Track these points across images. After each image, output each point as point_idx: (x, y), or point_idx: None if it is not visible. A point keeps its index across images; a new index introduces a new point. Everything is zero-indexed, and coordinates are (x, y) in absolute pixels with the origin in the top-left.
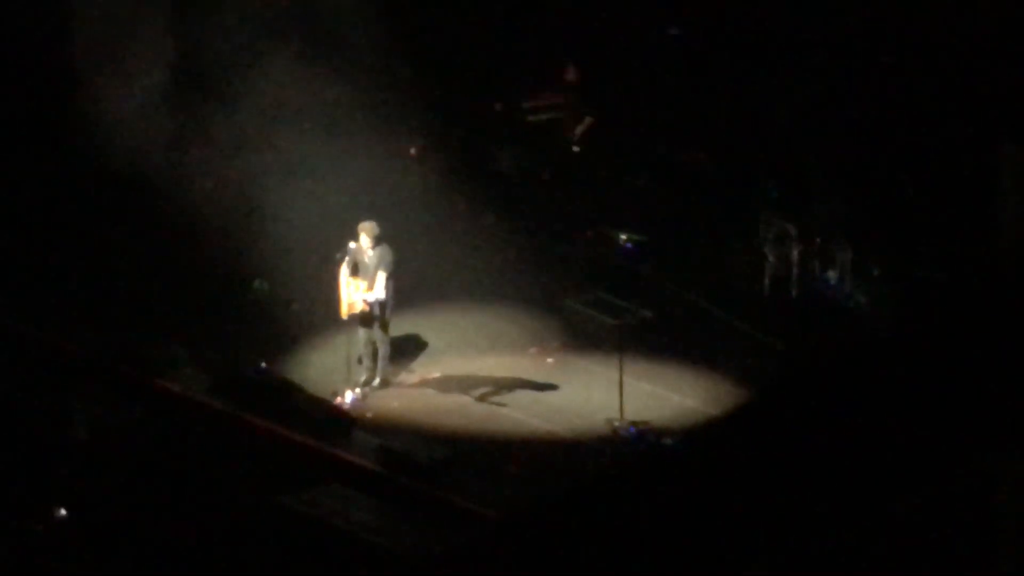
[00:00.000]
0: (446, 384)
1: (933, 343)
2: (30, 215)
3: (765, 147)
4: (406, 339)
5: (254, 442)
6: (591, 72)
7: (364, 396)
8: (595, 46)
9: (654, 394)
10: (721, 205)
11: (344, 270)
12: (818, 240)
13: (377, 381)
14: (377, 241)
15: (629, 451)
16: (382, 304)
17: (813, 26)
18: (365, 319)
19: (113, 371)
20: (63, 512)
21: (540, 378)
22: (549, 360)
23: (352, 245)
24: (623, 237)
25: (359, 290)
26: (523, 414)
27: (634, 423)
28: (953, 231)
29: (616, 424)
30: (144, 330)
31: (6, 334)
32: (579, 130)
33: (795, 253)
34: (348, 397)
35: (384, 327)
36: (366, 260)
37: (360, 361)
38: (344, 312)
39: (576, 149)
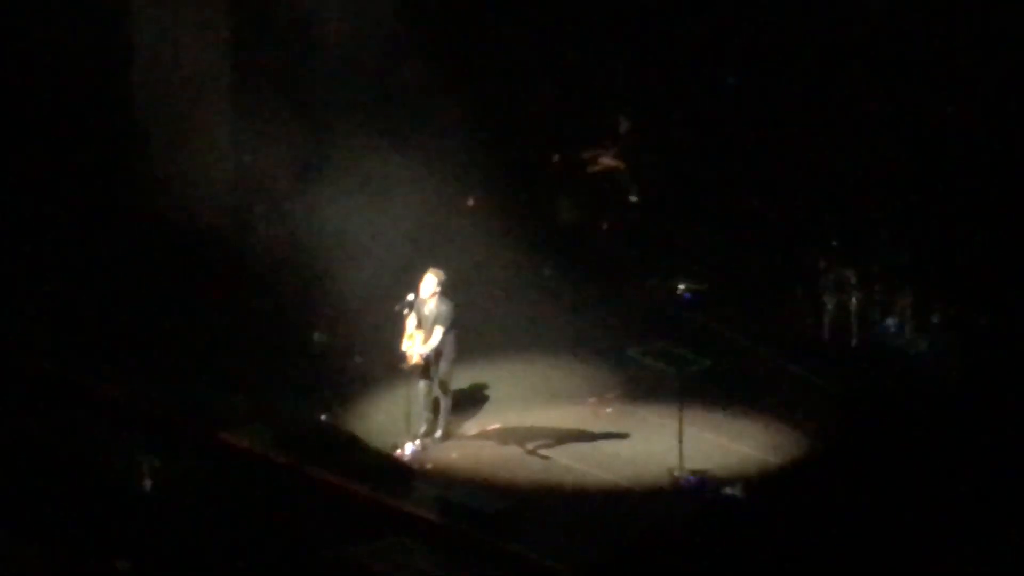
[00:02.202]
0: (505, 435)
1: (995, 391)
2: (97, 271)
3: (825, 194)
4: (465, 390)
5: (316, 495)
6: (648, 122)
7: (424, 448)
8: (654, 95)
9: (714, 443)
10: (781, 253)
11: (410, 324)
12: (878, 287)
13: (439, 433)
14: (436, 293)
15: (690, 501)
16: (439, 356)
17: (873, 72)
18: (424, 371)
19: (176, 424)
20: (127, 564)
21: (599, 428)
22: (608, 410)
23: (411, 297)
24: (682, 287)
25: (417, 343)
26: (583, 464)
27: (694, 472)
28: (1015, 278)
29: (676, 473)
30: (206, 383)
31: (72, 387)
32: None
33: (855, 300)
34: (408, 449)
35: (445, 380)
36: (425, 312)
37: (420, 413)
38: (405, 365)
39: (635, 199)
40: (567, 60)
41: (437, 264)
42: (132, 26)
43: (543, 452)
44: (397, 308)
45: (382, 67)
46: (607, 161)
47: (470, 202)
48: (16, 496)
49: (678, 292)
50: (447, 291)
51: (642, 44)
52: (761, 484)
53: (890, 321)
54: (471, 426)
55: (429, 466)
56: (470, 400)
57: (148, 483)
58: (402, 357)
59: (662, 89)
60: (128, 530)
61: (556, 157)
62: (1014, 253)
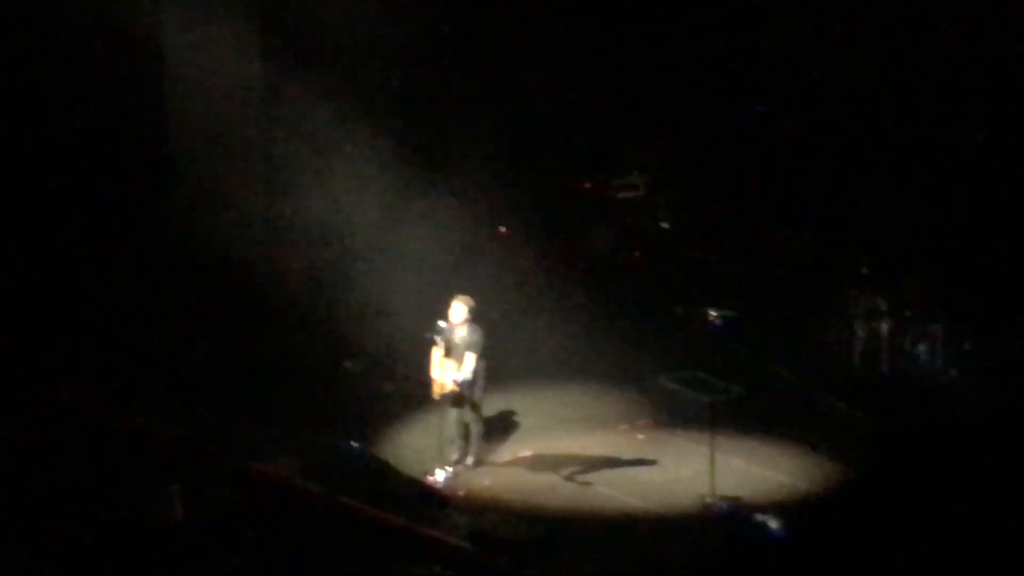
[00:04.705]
0: (538, 462)
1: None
2: (126, 302)
3: (855, 222)
4: (497, 418)
5: (347, 523)
6: (678, 149)
7: (456, 475)
8: (684, 123)
9: (746, 470)
10: (811, 281)
11: (438, 351)
12: (909, 314)
13: (470, 460)
14: (467, 320)
15: (722, 527)
16: (472, 384)
17: (902, 97)
18: (456, 399)
19: (207, 454)
20: None
21: (631, 455)
22: (640, 437)
23: (442, 324)
24: (713, 314)
25: (448, 370)
26: (615, 491)
27: (726, 499)
28: None
29: (708, 500)
30: (237, 413)
31: (102, 418)
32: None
33: (885, 328)
34: (440, 476)
35: (476, 407)
36: (456, 340)
37: (452, 441)
38: (436, 392)
39: (665, 226)
40: (599, 88)
41: (467, 291)
42: (165, 54)
43: (575, 479)
44: (427, 335)
45: (416, 98)
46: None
47: (502, 229)
48: (45, 526)
49: (709, 319)
50: (477, 318)
51: (673, 71)
52: (793, 511)
53: (921, 348)
54: (503, 453)
55: (461, 493)
56: (501, 427)
57: (178, 513)
58: (433, 384)
59: (693, 117)
60: (158, 561)
61: (588, 184)
62: None
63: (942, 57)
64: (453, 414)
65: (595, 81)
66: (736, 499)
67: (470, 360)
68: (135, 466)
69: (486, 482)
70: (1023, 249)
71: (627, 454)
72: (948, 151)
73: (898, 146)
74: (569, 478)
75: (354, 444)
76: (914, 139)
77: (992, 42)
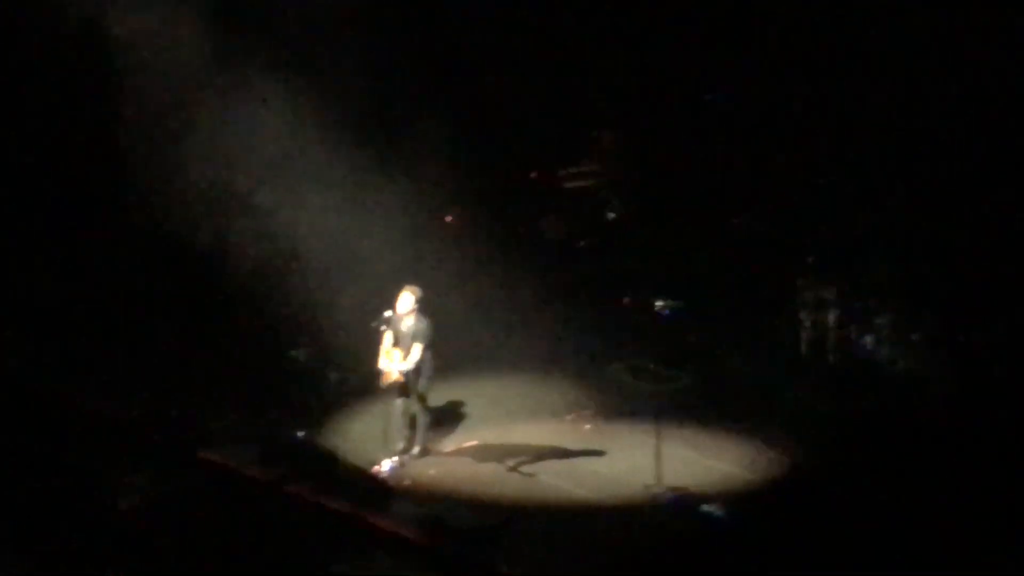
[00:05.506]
0: (484, 452)
1: (973, 408)
2: (76, 288)
3: (804, 210)
4: (444, 407)
5: (296, 512)
6: (629, 138)
7: (402, 464)
8: (634, 112)
9: (692, 460)
10: (760, 269)
11: (387, 341)
12: (856, 305)
13: (416, 450)
14: (414, 311)
15: (668, 518)
16: (417, 372)
17: (851, 89)
18: (402, 388)
19: (157, 442)
20: None
21: (578, 445)
22: (586, 427)
23: (388, 314)
24: (659, 304)
25: (394, 360)
26: (560, 481)
27: (672, 489)
28: (997, 295)
29: (655, 490)
30: (186, 401)
31: (53, 405)
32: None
33: (832, 318)
34: (386, 466)
35: (422, 396)
36: (403, 329)
37: (398, 430)
38: (383, 382)
39: (613, 216)
40: (548, 76)
41: (414, 281)
42: (115, 35)
43: (521, 469)
44: (374, 325)
45: (364, 84)
46: (587, 171)
47: (448, 219)
48: None
49: (656, 309)
50: (424, 308)
51: (623, 61)
52: (739, 501)
53: (867, 338)
54: (449, 443)
55: (407, 483)
56: (448, 417)
57: (129, 501)
58: (380, 374)
59: (642, 106)
60: (110, 548)
61: (534, 174)
62: (994, 272)
63: (894, 44)
64: (399, 404)
65: (546, 70)
66: (682, 489)
67: (417, 350)
68: (86, 454)
69: (432, 472)
70: (976, 239)
71: (573, 444)
72: (902, 139)
73: (850, 135)
74: (515, 468)
75: (300, 433)
76: (867, 127)
77: (942, 27)
